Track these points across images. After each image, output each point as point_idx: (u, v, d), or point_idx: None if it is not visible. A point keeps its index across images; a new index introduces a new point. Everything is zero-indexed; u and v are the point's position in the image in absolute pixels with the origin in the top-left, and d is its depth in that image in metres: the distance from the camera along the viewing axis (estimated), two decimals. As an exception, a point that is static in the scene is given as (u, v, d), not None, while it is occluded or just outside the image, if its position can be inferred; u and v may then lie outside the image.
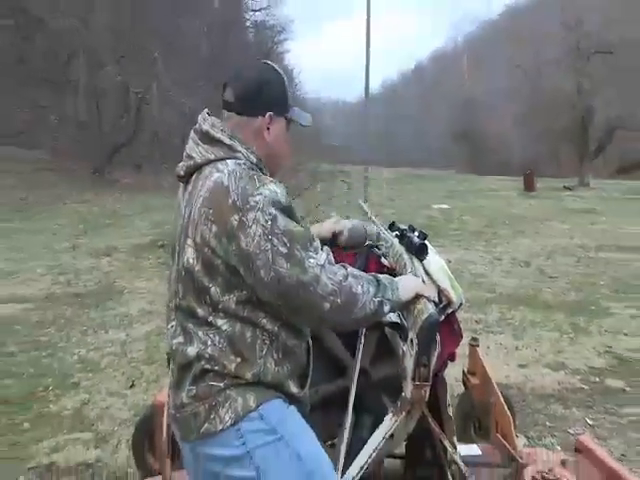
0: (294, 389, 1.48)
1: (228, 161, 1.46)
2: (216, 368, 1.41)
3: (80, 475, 2.89)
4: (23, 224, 12.17)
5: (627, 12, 27.05)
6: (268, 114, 1.53)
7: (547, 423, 3.47)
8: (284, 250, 1.35)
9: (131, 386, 3.95)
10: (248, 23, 35.15)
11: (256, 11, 34.58)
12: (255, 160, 1.50)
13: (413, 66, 73.98)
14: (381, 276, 1.53)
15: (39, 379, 4.11)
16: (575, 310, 5.84)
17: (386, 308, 1.50)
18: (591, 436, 2.96)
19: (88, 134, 22.39)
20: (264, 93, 1.53)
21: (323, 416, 1.86)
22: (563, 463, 2.31)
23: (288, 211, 1.41)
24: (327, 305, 1.38)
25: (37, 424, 3.44)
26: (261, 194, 1.38)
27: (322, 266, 1.39)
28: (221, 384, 1.41)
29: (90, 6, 20.51)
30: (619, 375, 4.20)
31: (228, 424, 1.39)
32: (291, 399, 1.47)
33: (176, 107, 20.39)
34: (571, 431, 3.37)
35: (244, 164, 1.46)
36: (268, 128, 1.54)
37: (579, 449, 2.45)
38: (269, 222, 1.36)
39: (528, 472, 2.15)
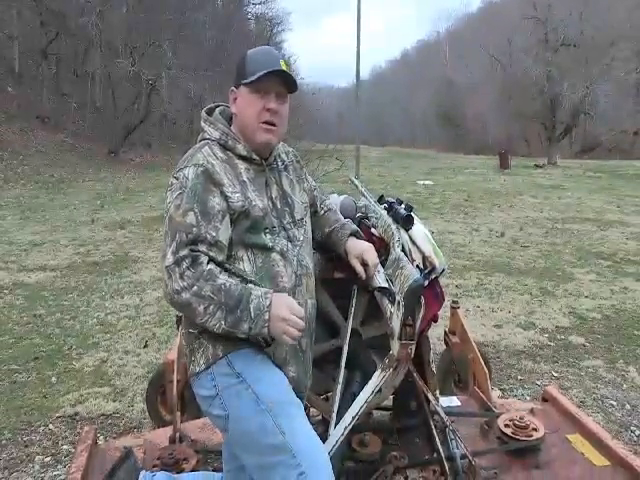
0: (259, 339, 1.44)
1: (200, 139, 1.54)
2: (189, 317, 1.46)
3: (100, 425, 2.89)
4: (49, 200, 12.09)
5: (591, 8, 26.87)
6: (230, 89, 1.54)
7: (518, 377, 3.49)
8: (164, 229, 1.40)
9: (145, 346, 3.93)
10: (249, 15, 34.53)
11: (256, 4, 33.93)
12: (218, 135, 1.51)
13: (399, 55, 73.05)
14: (253, 304, 1.34)
15: (64, 339, 4.10)
16: (544, 276, 5.84)
17: (240, 334, 1.36)
18: (556, 387, 2.97)
19: (104, 118, 22.27)
20: (234, 74, 1.54)
21: (319, 372, 1.84)
22: (532, 411, 2.33)
23: (196, 195, 1.39)
24: (167, 297, 1.37)
25: (63, 379, 3.44)
26: (177, 178, 1.43)
27: (167, 267, 1.35)
28: (195, 331, 1.46)
29: (106, 2, 20.14)
30: (580, 332, 4.22)
31: (203, 367, 1.43)
32: (261, 349, 1.45)
33: (183, 92, 20.19)
34: (539, 383, 3.38)
35: (206, 141, 1.51)
36: (235, 100, 1.53)
37: (546, 398, 2.48)
38: (169, 204, 1.40)
39: (502, 420, 2.15)
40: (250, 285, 1.39)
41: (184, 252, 1.34)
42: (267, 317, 1.35)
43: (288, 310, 1.36)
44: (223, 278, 1.35)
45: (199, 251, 1.36)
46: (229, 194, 1.42)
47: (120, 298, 5.11)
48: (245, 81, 1.47)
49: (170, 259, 1.34)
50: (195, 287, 1.32)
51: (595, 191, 14.04)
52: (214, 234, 1.38)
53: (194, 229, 1.36)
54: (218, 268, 1.37)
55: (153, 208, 10.59)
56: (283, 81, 1.49)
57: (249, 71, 1.47)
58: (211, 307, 1.33)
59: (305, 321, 1.53)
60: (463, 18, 56.57)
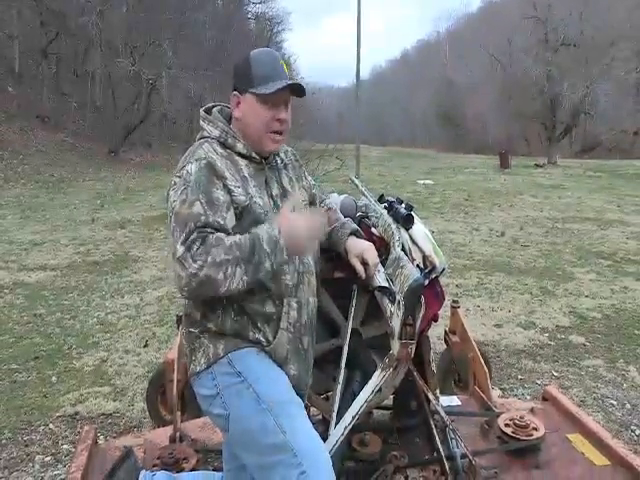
0: (260, 338, 1.45)
1: (199, 137, 1.54)
2: (189, 316, 1.49)
3: (101, 424, 2.89)
4: (49, 199, 12.09)
5: (591, 8, 26.91)
6: (233, 93, 1.53)
7: (519, 376, 3.48)
8: (171, 226, 1.38)
9: (145, 345, 3.93)
10: (249, 15, 34.56)
11: (256, 4, 33.96)
12: (218, 133, 1.51)
13: (399, 55, 73.08)
14: (265, 241, 1.33)
15: (64, 338, 4.10)
16: (544, 275, 5.84)
17: (265, 276, 1.37)
18: (556, 386, 2.97)
19: (104, 118, 22.28)
20: (234, 76, 1.53)
21: (319, 372, 1.84)
22: (532, 410, 2.32)
23: (200, 186, 1.38)
24: (185, 287, 1.32)
25: (63, 378, 3.44)
26: (179, 176, 1.42)
27: (178, 258, 1.31)
28: (196, 330, 1.46)
29: (106, 2, 20.15)
30: (580, 332, 4.22)
31: (204, 367, 1.44)
32: (262, 348, 1.45)
33: (183, 92, 20.21)
34: (539, 382, 3.38)
35: (205, 139, 1.51)
36: (238, 104, 1.52)
37: (546, 398, 2.48)
38: (174, 202, 1.39)
39: (502, 419, 2.15)
40: (254, 228, 1.38)
41: (193, 236, 1.31)
42: (282, 243, 1.34)
43: (304, 228, 1.37)
44: (231, 238, 1.34)
45: (207, 232, 1.33)
46: (232, 187, 1.42)
47: (120, 297, 5.11)
48: (254, 91, 1.47)
49: (181, 249, 1.30)
50: (209, 259, 1.29)
51: (595, 191, 14.05)
52: (222, 222, 1.37)
53: (202, 217, 1.35)
54: (223, 234, 1.35)
55: (153, 207, 10.59)
56: (292, 89, 1.51)
57: (257, 77, 1.46)
58: (229, 269, 1.29)
59: (307, 319, 1.54)
60: (463, 18, 56.63)
